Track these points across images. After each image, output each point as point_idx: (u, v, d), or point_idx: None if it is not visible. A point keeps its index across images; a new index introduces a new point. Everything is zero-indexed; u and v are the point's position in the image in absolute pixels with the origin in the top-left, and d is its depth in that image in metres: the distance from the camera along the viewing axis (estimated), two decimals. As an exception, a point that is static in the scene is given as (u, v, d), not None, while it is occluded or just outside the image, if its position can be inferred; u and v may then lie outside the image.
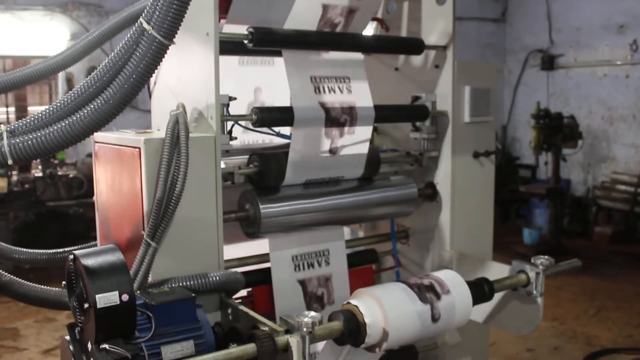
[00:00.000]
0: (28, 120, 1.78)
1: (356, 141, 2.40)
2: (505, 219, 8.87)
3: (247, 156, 2.31)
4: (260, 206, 2.22)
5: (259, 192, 2.27)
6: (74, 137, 1.68)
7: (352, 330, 1.89)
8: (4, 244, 2.41)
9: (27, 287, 2.29)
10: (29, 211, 7.01)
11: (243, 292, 2.54)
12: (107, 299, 1.51)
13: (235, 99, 2.15)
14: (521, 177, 9.48)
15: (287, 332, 1.80)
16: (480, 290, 2.24)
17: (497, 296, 2.48)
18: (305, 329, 1.75)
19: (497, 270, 2.52)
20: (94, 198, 2.33)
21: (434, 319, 2.01)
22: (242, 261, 2.44)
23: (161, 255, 2.00)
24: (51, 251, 2.47)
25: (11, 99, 7.62)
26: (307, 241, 2.44)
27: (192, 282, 1.95)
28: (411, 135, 2.73)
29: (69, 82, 7.42)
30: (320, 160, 2.34)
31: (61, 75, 7.28)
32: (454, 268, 2.67)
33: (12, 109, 7.72)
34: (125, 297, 1.54)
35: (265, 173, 2.25)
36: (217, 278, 2.00)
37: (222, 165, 2.15)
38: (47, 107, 1.76)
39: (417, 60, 2.77)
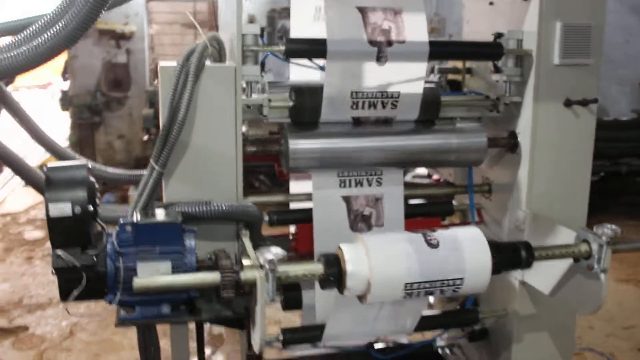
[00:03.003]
0: None
1: (407, 78, 2.20)
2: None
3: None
4: (290, 141, 2.17)
5: (294, 128, 2.21)
6: (37, 60, 1.77)
7: (332, 275, 1.80)
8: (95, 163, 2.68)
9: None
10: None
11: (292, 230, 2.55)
12: (59, 209, 1.62)
13: (264, 28, 2.10)
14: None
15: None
16: (514, 254, 1.96)
17: (562, 267, 2.16)
18: (267, 266, 1.71)
19: (567, 237, 2.17)
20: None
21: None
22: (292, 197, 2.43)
23: (178, 181, 2.08)
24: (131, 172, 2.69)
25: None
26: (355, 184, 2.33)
27: (193, 209, 2.00)
28: (493, 77, 2.42)
29: None
30: (364, 73, 2.17)
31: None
32: (526, 229, 2.37)
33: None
34: (77, 210, 1.64)
35: (299, 108, 2.18)
36: (221, 208, 2.02)
37: (252, 97, 2.13)
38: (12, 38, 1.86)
39: (510, -9, 2.42)
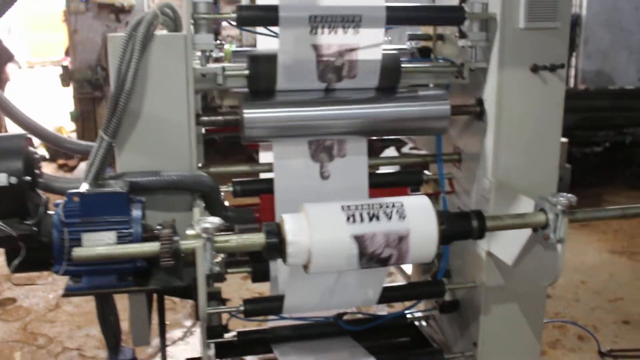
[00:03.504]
0: None
1: (365, 44, 2.15)
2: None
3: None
4: (244, 110, 2.14)
5: (250, 97, 2.18)
6: None
7: (273, 245, 1.78)
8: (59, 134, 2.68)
9: None
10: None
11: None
12: (-7, 179, 1.62)
13: (215, -4, 2.06)
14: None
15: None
16: (465, 224, 1.92)
17: (523, 238, 2.12)
18: (204, 235, 1.70)
19: (528, 207, 2.12)
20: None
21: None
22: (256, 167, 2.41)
23: (130, 152, 2.07)
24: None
25: None
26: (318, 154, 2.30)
27: (141, 179, 1.99)
28: (459, 42, 2.35)
29: None
30: (318, 67, 2.15)
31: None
32: (492, 199, 2.32)
33: None
34: (13, 180, 1.64)
35: (254, 76, 2.15)
36: (171, 177, 2.01)
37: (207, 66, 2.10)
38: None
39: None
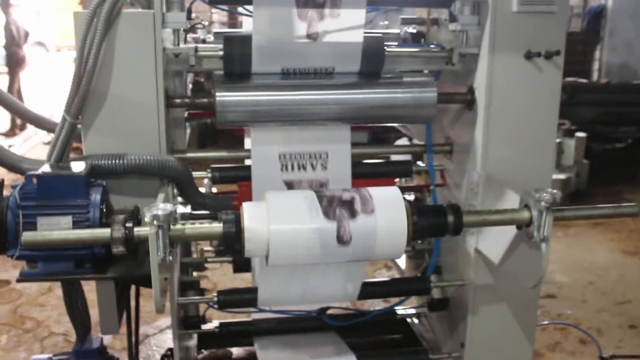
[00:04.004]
0: None
1: (344, 27, 2.04)
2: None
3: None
4: (217, 93, 2.05)
5: (224, 80, 2.09)
6: None
7: (230, 235, 1.69)
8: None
9: None
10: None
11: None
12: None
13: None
14: None
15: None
16: (440, 219, 1.80)
17: (509, 235, 1.99)
18: (155, 222, 1.61)
19: (515, 202, 1.99)
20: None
21: (341, 240, 1.69)
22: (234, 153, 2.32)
23: (97, 134, 2.00)
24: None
25: None
26: (297, 140, 2.21)
27: (104, 162, 1.91)
28: (450, 27, 2.22)
29: None
30: (295, 46, 2.05)
31: None
32: (480, 193, 2.20)
33: None
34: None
35: (228, 57, 2.05)
36: (135, 161, 1.93)
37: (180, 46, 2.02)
38: None
39: None
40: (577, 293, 3.85)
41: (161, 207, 1.62)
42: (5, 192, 1.83)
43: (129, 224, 1.66)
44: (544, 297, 3.74)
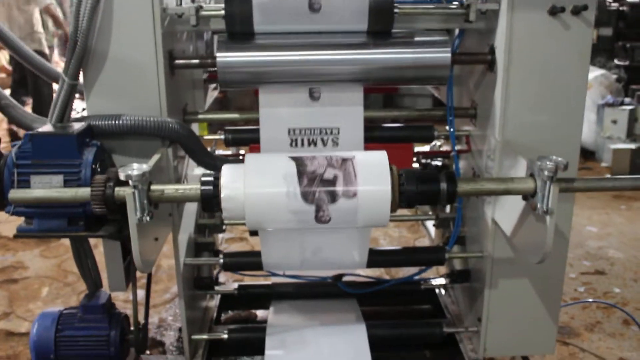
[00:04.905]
0: None
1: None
2: None
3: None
4: (218, 53, 2.01)
5: (227, 40, 2.04)
6: None
7: (207, 196, 1.66)
8: None
9: None
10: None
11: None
12: None
13: None
14: None
15: (141, 184, 1.67)
16: (431, 186, 1.69)
17: (520, 206, 1.85)
18: (131, 182, 1.61)
19: (524, 170, 1.85)
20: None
21: (320, 221, 1.62)
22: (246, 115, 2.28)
23: (98, 96, 2.00)
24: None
25: None
26: (304, 102, 2.14)
27: (100, 122, 1.92)
28: (468, -20, 2.06)
29: None
30: (297, 3, 1.97)
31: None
32: (497, 160, 2.06)
33: None
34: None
35: (229, 17, 2.00)
36: (130, 122, 1.92)
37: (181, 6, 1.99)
38: None
39: None
40: (630, 271, 3.57)
41: (136, 167, 1.61)
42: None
43: (110, 184, 1.67)
44: (592, 274, 3.51)
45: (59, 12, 7.44)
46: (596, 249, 3.92)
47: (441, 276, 2.64)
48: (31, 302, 3.32)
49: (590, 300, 3.18)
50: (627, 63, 6.49)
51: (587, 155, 6.19)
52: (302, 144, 2.15)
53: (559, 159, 1.65)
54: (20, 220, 1.88)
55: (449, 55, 2.03)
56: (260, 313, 2.88)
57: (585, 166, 5.97)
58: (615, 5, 6.93)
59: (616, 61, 6.63)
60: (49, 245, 3.97)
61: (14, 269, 3.71)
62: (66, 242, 3.96)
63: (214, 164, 2.22)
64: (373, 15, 1.99)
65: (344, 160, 1.67)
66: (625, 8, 6.74)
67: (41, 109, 7.10)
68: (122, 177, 1.60)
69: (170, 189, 1.68)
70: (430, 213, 2.70)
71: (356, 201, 1.62)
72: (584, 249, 3.92)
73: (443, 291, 2.77)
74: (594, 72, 6.32)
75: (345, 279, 2.50)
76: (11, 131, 7.26)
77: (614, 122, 6.01)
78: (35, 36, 7.18)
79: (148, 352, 2.60)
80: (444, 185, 1.70)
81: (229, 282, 3.13)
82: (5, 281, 3.57)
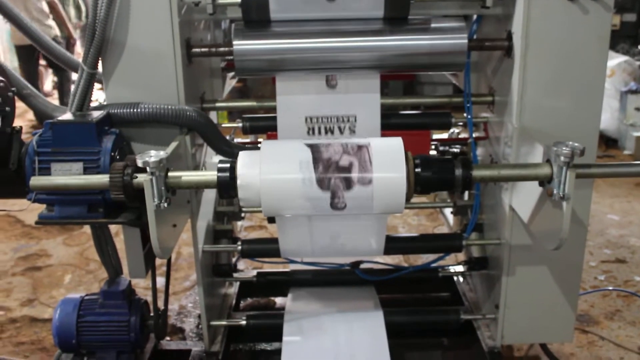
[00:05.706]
0: None
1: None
2: None
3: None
4: (234, 42, 2.02)
5: (243, 27, 2.05)
6: None
7: (224, 184, 1.68)
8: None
9: None
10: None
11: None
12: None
13: None
14: None
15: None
16: (445, 172, 1.69)
17: (537, 192, 1.84)
18: (149, 169, 1.63)
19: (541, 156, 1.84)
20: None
21: (336, 207, 1.63)
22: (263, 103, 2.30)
23: (117, 84, 2.03)
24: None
25: None
26: (321, 89, 2.14)
27: (118, 110, 1.94)
28: (485, -35, 2.04)
29: None
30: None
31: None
32: (514, 146, 2.05)
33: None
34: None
35: (245, 4, 2.01)
36: (147, 109, 1.95)
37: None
38: None
39: None
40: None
41: (153, 154, 1.63)
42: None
43: (128, 171, 1.69)
44: (613, 262, 3.47)
45: (60, 8, 7.46)
46: (617, 237, 3.88)
47: (459, 263, 2.64)
48: (54, 289, 3.38)
49: (610, 288, 3.15)
50: (651, 49, 6.39)
51: (610, 143, 6.12)
52: (319, 132, 2.15)
53: (576, 144, 1.64)
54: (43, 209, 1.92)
55: (465, 41, 2.02)
56: (278, 300, 2.90)
57: (607, 154, 5.91)
58: (639, -10, 6.81)
59: (640, 47, 6.54)
60: (71, 234, 4.04)
61: (38, 257, 3.78)
62: (88, 230, 4.03)
63: (232, 152, 2.23)
64: (389, 1, 1.98)
65: (360, 147, 1.68)
66: (649, -7, 6.63)
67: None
68: (139, 164, 1.62)
69: (187, 175, 1.70)
70: (448, 201, 2.70)
71: (371, 188, 1.63)
72: (604, 237, 3.88)
73: (461, 278, 2.77)
74: (617, 59, 6.24)
75: (363, 266, 2.51)
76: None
77: (637, 109, 5.94)
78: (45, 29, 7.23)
79: (168, 338, 2.64)
80: (459, 171, 1.70)
81: (248, 269, 3.15)
82: (30, 269, 3.65)
